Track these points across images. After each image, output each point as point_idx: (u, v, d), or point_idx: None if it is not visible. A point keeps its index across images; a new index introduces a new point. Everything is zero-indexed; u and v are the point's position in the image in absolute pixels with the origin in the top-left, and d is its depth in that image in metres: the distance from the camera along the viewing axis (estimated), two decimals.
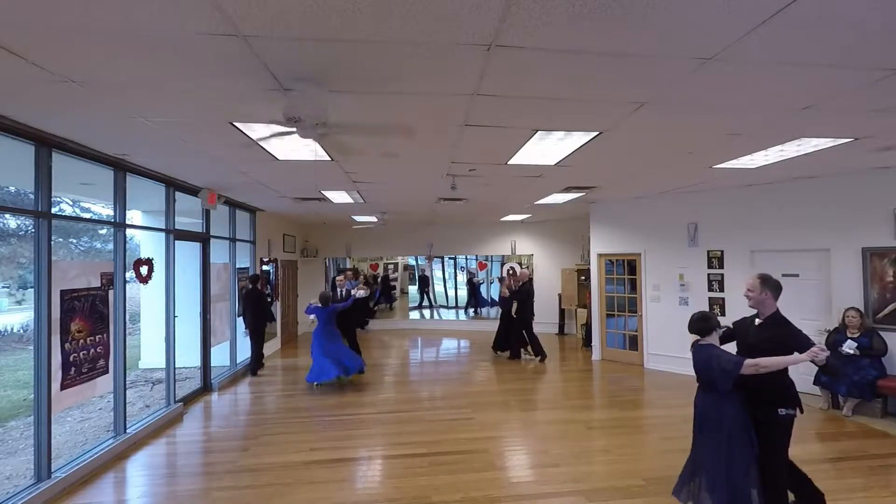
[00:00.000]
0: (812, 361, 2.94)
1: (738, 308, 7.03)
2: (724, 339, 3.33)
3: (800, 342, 2.99)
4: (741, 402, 3.06)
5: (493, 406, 6.09)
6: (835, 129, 4.01)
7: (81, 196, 7.31)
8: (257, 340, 8.09)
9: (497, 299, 9.63)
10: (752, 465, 3.01)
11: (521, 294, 8.80)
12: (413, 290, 13.94)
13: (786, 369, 3.05)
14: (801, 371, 6.37)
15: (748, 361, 2.90)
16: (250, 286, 8.20)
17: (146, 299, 8.53)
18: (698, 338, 3.19)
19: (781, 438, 3.09)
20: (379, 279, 13.88)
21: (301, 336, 12.03)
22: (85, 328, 4.29)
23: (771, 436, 3.07)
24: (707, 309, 7.35)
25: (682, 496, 3.23)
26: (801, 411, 3.10)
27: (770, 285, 3.12)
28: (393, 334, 12.21)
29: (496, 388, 7.02)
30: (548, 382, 7.40)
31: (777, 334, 3.08)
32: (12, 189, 7.86)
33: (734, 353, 3.12)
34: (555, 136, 4.13)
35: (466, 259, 13.34)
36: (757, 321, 3.22)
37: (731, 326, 3.44)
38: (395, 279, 14.06)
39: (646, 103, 3.32)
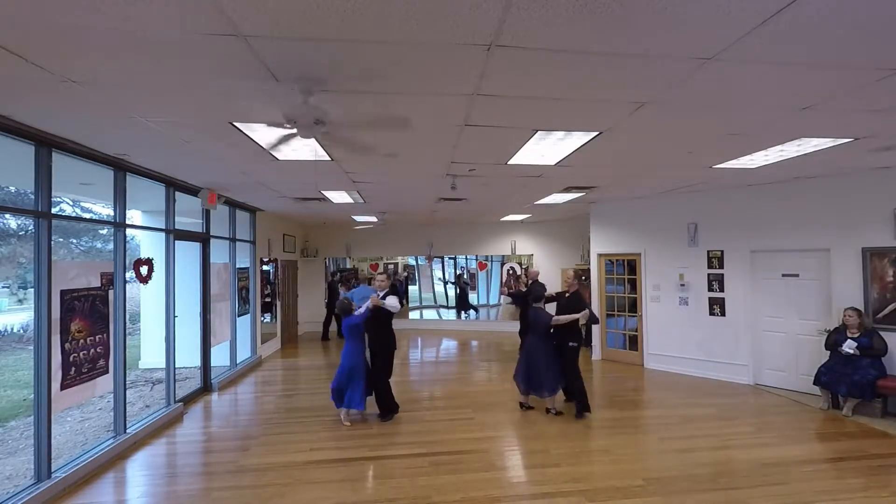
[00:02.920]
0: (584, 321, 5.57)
1: (738, 307, 7.07)
2: (548, 300, 6.11)
3: (583, 308, 5.61)
4: (550, 339, 5.63)
5: (493, 406, 6.09)
6: (835, 129, 4.01)
7: (81, 196, 7.31)
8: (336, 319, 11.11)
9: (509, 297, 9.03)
10: (558, 374, 5.59)
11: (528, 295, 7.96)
12: (414, 290, 13.78)
13: (576, 322, 5.51)
14: (801, 372, 6.41)
15: (553, 319, 5.52)
16: (332, 279, 12.40)
17: (146, 299, 8.55)
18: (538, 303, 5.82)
19: (573, 359, 5.62)
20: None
21: (301, 336, 12.03)
22: (85, 328, 4.30)
23: (569, 357, 5.60)
24: (707, 309, 7.40)
25: (523, 390, 5.85)
26: (586, 346, 5.22)
27: (578, 278, 5.72)
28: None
29: (496, 388, 7.01)
30: None
31: (573, 303, 5.78)
32: (12, 189, 7.86)
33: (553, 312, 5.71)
34: (555, 136, 4.13)
35: (466, 259, 13.30)
36: (567, 294, 6.05)
37: (554, 294, 6.37)
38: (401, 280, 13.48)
39: (646, 103, 3.32)
